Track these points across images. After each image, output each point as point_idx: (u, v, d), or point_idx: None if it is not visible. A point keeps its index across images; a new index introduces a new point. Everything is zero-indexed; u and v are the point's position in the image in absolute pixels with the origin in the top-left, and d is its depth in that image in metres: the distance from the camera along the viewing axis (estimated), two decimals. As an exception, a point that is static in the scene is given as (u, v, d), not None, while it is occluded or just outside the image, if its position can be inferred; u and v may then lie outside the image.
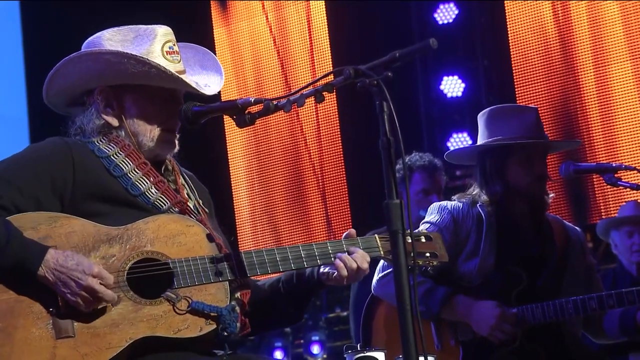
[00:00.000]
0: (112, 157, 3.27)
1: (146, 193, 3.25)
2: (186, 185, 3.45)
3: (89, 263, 3.02)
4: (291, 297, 3.43)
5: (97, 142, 3.30)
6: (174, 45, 3.41)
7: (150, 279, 3.11)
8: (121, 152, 3.28)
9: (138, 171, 3.27)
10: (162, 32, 3.40)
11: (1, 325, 2.94)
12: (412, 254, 3.24)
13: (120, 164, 3.26)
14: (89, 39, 3.44)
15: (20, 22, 9.23)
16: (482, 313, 4.37)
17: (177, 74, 3.32)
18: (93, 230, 3.11)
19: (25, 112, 9.03)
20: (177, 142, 3.39)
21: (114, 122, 3.34)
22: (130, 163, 3.27)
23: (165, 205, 3.27)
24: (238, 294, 3.26)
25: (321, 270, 3.36)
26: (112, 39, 3.38)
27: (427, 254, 3.50)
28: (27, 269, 2.97)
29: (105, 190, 3.21)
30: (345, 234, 3.42)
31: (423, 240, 3.53)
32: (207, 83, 3.45)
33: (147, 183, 3.27)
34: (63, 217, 3.11)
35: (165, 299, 3.10)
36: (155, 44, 3.35)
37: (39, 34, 9.16)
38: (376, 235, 3.47)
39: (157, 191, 3.27)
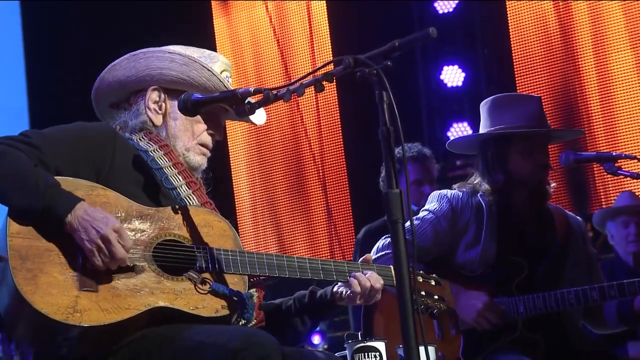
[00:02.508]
0: (150, 152, 3.40)
1: (178, 189, 3.39)
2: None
3: (114, 219, 3.12)
4: (302, 315, 3.57)
5: (138, 139, 3.43)
6: (230, 77, 3.57)
7: (174, 259, 3.22)
8: (160, 150, 3.41)
9: (173, 169, 3.41)
10: (224, 60, 3.58)
11: (30, 267, 3.03)
12: (415, 254, 3.45)
13: (158, 159, 3.39)
14: None
15: (21, 21, 9.29)
16: (469, 299, 4.38)
17: (233, 89, 3.44)
18: (126, 204, 3.23)
19: (26, 106, 9.06)
20: (206, 159, 3.54)
21: (158, 120, 3.48)
22: (167, 160, 3.41)
23: (193, 203, 3.39)
24: (254, 290, 3.38)
25: (334, 289, 3.52)
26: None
27: (436, 297, 3.72)
28: (57, 213, 3.07)
29: (140, 176, 3.35)
30: (361, 259, 3.57)
31: (433, 283, 3.74)
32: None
33: (180, 180, 3.40)
34: (100, 188, 3.23)
35: (187, 277, 3.22)
36: (215, 67, 3.51)
37: (39, 32, 9.21)
38: (392, 266, 3.61)
39: (188, 189, 3.40)
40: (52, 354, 3.14)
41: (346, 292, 3.47)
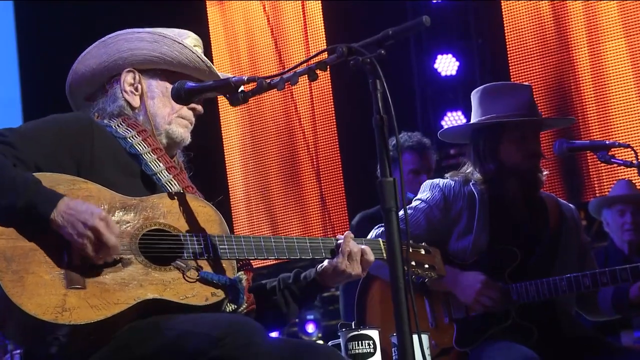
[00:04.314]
0: (128, 138, 3.36)
1: (159, 174, 3.35)
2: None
3: (98, 208, 3.08)
4: (286, 297, 3.54)
5: (116, 126, 3.39)
6: (202, 53, 3.51)
7: (160, 251, 3.19)
8: (138, 136, 3.38)
9: (153, 154, 3.37)
10: (194, 36, 3.54)
11: (15, 268, 2.98)
12: (409, 249, 3.57)
13: (137, 146, 3.36)
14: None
15: (14, 20, 9.33)
16: (467, 280, 4.38)
17: (208, 62, 3.42)
18: (109, 196, 3.19)
19: (19, 97, 9.07)
20: (189, 133, 3.50)
21: (135, 102, 3.45)
22: (146, 146, 3.37)
23: (175, 188, 3.36)
24: (243, 272, 3.35)
25: (318, 268, 3.50)
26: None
27: (426, 266, 3.72)
28: (40, 212, 3.01)
29: (121, 163, 3.32)
30: (345, 234, 3.53)
31: (423, 252, 3.74)
32: None
33: (160, 165, 3.37)
34: (82, 182, 3.18)
35: (175, 267, 3.19)
36: (186, 42, 3.46)
37: (31, 27, 9.26)
38: (381, 239, 3.62)
39: (169, 174, 3.37)
40: (42, 353, 3.09)
41: (331, 263, 3.45)
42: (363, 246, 3.48)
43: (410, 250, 3.70)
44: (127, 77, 3.45)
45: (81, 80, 3.52)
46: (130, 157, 3.34)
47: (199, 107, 3.51)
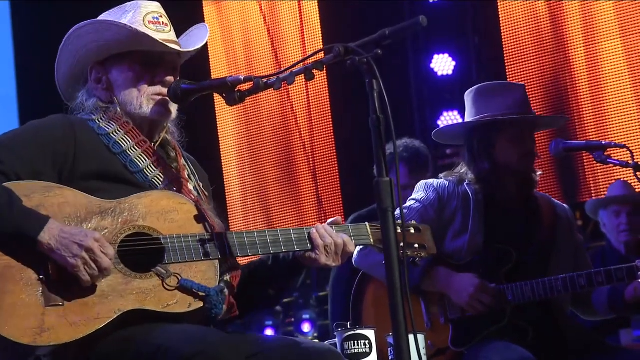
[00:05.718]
0: (111, 134, 3.30)
1: (145, 170, 3.29)
2: (187, 168, 3.48)
3: (92, 231, 3.04)
4: (267, 279, 3.44)
5: (98, 120, 3.34)
6: (161, 17, 3.42)
7: (141, 253, 3.13)
8: (121, 130, 3.31)
9: (137, 148, 3.31)
10: (145, 5, 3.42)
11: None
12: (401, 244, 3.35)
13: (120, 141, 3.29)
14: None
15: (11, 20, 9.34)
16: (461, 283, 4.38)
17: (146, 32, 3.30)
18: (85, 201, 3.12)
19: (15, 98, 9.07)
20: (170, 107, 3.37)
21: (106, 96, 3.38)
22: (130, 140, 3.31)
23: (162, 183, 3.30)
24: (228, 277, 3.28)
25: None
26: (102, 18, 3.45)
27: (416, 245, 3.59)
28: (28, 234, 2.98)
29: (105, 168, 3.24)
30: (330, 220, 3.43)
31: (412, 231, 3.62)
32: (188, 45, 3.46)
33: (146, 160, 3.30)
34: (56, 188, 3.12)
35: (155, 273, 3.12)
36: (136, 15, 3.37)
37: (28, 29, 9.28)
38: (367, 223, 3.50)
39: (155, 169, 3.31)
40: None
41: (310, 252, 3.33)
42: (344, 236, 3.35)
43: (399, 231, 3.60)
44: (93, 74, 3.40)
45: (67, 87, 3.47)
46: (114, 155, 3.28)
47: (167, 79, 3.36)
